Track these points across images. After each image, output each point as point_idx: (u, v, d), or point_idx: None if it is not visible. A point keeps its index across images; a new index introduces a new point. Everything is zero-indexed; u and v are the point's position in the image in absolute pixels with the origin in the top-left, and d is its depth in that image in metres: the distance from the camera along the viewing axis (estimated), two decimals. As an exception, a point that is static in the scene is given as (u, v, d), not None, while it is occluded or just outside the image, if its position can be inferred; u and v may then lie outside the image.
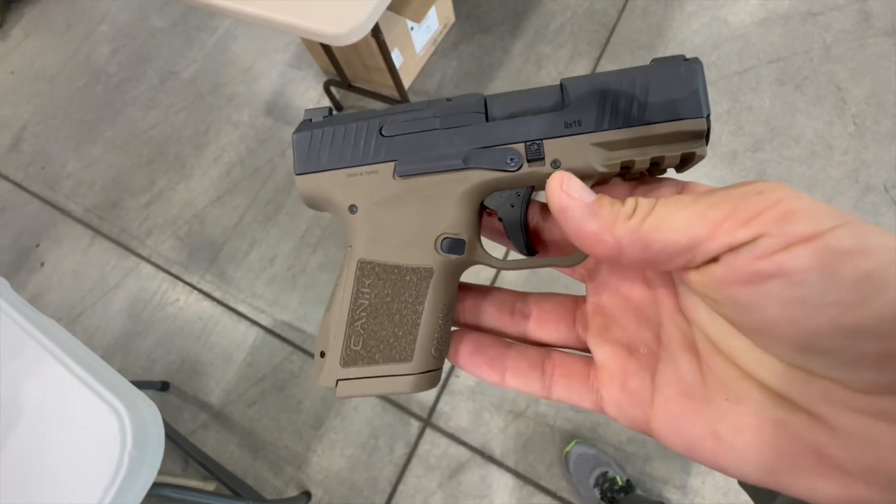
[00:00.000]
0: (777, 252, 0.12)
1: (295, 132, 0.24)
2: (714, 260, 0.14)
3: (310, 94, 1.48)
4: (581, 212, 0.16)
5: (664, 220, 0.14)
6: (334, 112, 0.24)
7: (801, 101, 1.16)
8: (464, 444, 1.02)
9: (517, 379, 0.20)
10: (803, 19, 1.24)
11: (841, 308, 0.11)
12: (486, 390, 1.05)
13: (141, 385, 1.18)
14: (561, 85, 0.21)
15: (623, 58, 1.31)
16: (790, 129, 1.14)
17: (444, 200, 0.22)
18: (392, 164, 0.22)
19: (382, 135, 0.22)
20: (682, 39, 1.29)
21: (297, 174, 0.23)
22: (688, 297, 0.17)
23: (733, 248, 0.13)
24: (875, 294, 0.10)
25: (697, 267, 0.15)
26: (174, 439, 1.01)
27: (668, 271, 0.18)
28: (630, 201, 0.15)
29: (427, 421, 1.06)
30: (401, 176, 0.22)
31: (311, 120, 0.24)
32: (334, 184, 0.23)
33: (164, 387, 1.19)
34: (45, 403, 0.50)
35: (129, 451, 0.43)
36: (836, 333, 0.11)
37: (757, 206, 0.12)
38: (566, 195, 0.16)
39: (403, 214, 0.22)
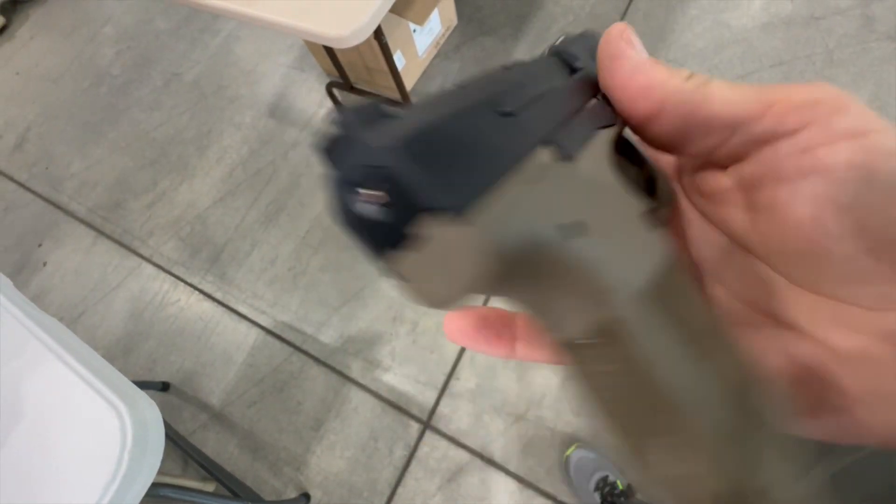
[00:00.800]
0: (820, 146, 0.11)
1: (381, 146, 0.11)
2: (740, 159, 0.13)
3: (312, 96, 1.49)
4: (636, 62, 0.14)
5: (718, 90, 0.13)
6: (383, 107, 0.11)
7: (804, 105, 1.16)
8: (464, 446, 1.02)
9: (527, 348, 0.17)
10: (806, 23, 1.24)
11: (871, 210, 0.11)
12: (486, 393, 1.05)
13: (141, 385, 1.17)
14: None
15: (625, 61, 1.31)
16: (792, 133, 1.14)
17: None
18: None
19: (510, 114, 0.13)
20: (685, 43, 1.29)
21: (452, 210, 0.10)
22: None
23: (773, 140, 0.12)
24: None
25: (724, 166, 0.14)
26: (174, 439, 1.01)
27: (690, 155, 0.16)
28: (684, 70, 0.14)
29: (427, 423, 1.05)
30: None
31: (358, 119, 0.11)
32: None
33: (164, 387, 1.19)
34: (46, 401, 0.50)
35: (129, 449, 0.44)
36: (859, 237, 0.11)
37: (813, 94, 0.12)
38: (626, 43, 0.15)
39: None
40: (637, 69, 0.14)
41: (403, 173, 0.09)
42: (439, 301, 0.11)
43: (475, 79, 0.14)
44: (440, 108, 0.11)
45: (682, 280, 0.13)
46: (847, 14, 1.23)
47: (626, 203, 0.14)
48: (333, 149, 0.10)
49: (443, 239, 0.10)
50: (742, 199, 0.14)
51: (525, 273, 0.11)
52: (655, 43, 1.31)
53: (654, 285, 0.12)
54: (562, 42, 0.17)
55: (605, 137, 0.15)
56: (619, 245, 0.12)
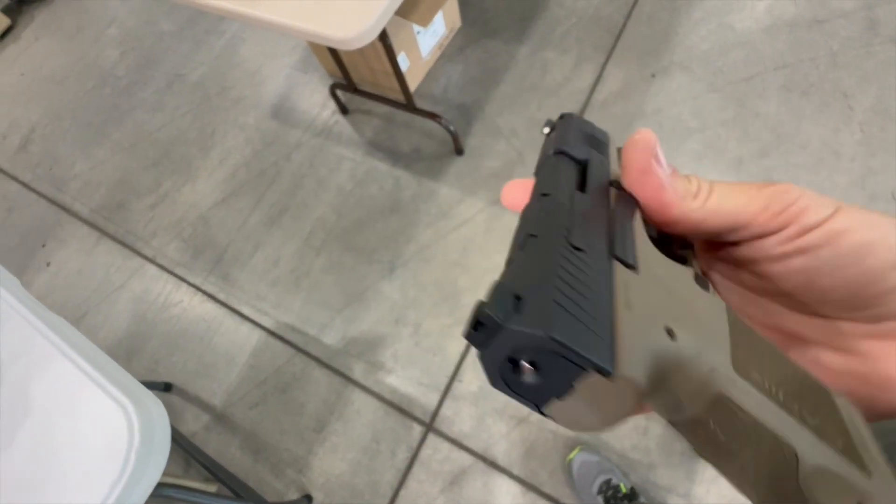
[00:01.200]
0: (798, 237, 0.16)
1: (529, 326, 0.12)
2: (735, 244, 0.18)
3: (316, 98, 1.49)
4: (662, 180, 0.17)
5: (719, 205, 0.17)
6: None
7: (808, 108, 1.16)
8: (466, 449, 1.02)
9: None
10: (809, 26, 1.24)
11: (844, 268, 0.16)
12: (489, 395, 1.05)
13: (144, 385, 1.18)
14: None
15: (629, 63, 1.31)
16: (796, 136, 1.14)
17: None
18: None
19: (581, 249, 0.14)
20: (689, 45, 1.30)
21: (619, 374, 0.12)
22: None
23: (762, 236, 0.17)
24: (866, 256, 0.15)
25: (721, 246, 0.18)
26: (177, 440, 1.01)
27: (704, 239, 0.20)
28: (693, 180, 0.18)
29: (429, 426, 1.05)
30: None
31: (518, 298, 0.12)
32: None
33: (166, 388, 1.19)
34: (53, 400, 0.50)
35: (136, 448, 0.44)
36: (842, 285, 0.16)
37: (783, 202, 0.16)
38: (655, 161, 0.17)
39: None
40: (663, 186, 0.17)
41: (557, 348, 0.11)
42: (587, 429, 0.13)
43: (530, 217, 0.16)
44: (538, 270, 0.13)
45: (741, 322, 0.16)
46: (851, 17, 1.23)
47: (686, 280, 0.17)
48: (486, 337, 0.12)
49: (594, 388, 0.12)
50: (744, 268, 0.18)
51: (654, 384, 0.13)
52: (659, 46, 1.32)
53: (735, 345, 0.14)
54: (557, 139, 0.20)
55: (640, 230, 0.17)
56: (703, 323, 0.14)
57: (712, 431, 0.13)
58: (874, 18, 1.21)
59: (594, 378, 0.12)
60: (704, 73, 1.26)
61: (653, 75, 1.29)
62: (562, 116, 0.22)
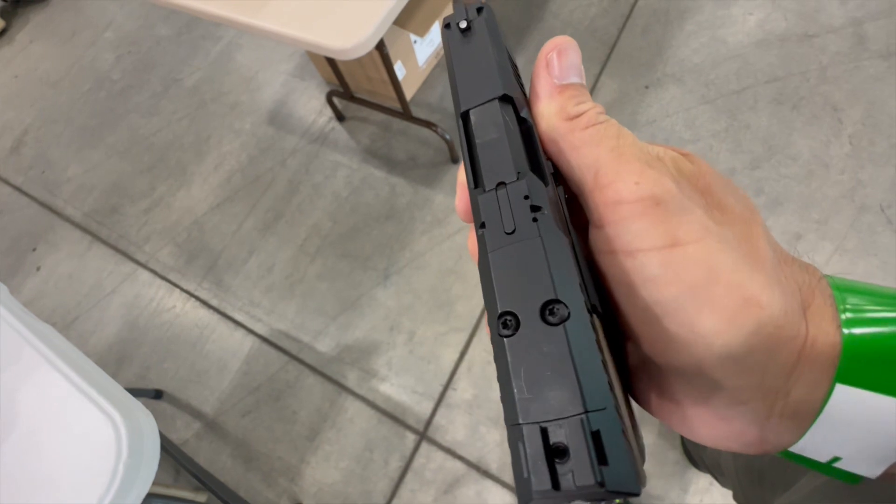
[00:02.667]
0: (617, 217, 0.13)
1: None
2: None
3: (312, 104, 1.50)
4: (540, 87, 0.16)
5: (580, 144, 0.14)
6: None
7: (798, 121, 1.18)
8: (460, 458, 1.01)
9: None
10: (800, 41, 1.27)
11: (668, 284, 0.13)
12: (483, 404, 1.05)
13: (134, 393, 1.16)
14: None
15: (623, 75, 1.33)
16: (787, 148, 1.16)
17: None
18: None
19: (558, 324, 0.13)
20: (682, 58, 1.31)
21: None
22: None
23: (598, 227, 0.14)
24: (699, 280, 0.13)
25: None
26: (166, 449, 1.00)
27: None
28: (590, 108, 0.15)
29: (423, 434, 1.05)
30: None
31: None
32: None
33: (157, 395, 1.18)
34: (40, 411, 0.49)
35: (124, 460, 0.43)
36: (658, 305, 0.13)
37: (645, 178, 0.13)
38: (544, 65, 0.16)
39: None
40: (537, 95, 0.16)
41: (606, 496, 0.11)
42: None
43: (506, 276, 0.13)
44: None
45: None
46: (840, 32, 1.25)
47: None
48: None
49: None
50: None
51: None
52: (653, 58, 1.33)
53: None
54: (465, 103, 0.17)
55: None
56: None
57: None
58: (863, 34, 1.24)
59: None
60: (697, 85, 1.27)
61: (646, 87, 1.30)
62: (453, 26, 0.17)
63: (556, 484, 0.10)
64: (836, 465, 0.14)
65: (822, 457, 0.14)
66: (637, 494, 0.11)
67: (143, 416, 0.49)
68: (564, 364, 0.11)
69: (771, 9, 1.32)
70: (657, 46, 1.35)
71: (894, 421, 0.12)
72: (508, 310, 0.13)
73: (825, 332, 0.13)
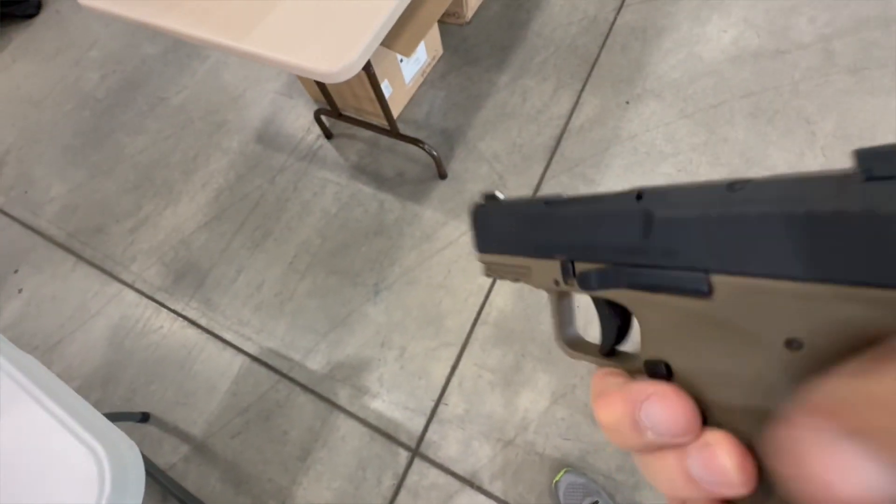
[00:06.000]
0: None
1: None
2: None
3: (300, 122, 1.50)
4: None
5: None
6: None
7: (774, 134, 1.22)
8: (453, 474, 1.01)
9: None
10: (772, 57, 1.32)
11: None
12: (474, 418, 1.05)
13: (120, 416, 1.14)
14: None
15: (605, 91, 1.36)
16: (764, 160, 1.19)
17: None
18: None
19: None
20: (660, 74, 1.35)
21: None
22: None
23: None
24: None
25: None
26: (153, 474, 0.98)
27: None
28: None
29: (415, 451, 1.04)
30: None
31: None
32: None
33: (144, 418, 1.16)
34: (19, 445, 0.48)
35: (107, 495, 0.42)
36: None
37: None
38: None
39: None
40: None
41: None
42: None
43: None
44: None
45: None
46: (810, 49, 1.30)
47: None
48: None
49: None
50: None
51: None
52: (633, 74, 1.37)
53: None
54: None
55: None
56: None
57: None
58: (831, 50, 1.29)
59: None
60: (675, 100, 1.31)
61: (627, 102, 1.34)
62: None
63: None
64: None
65: None
66: None
67: (127, 448, 0.49)
68: None
69: (744, 27, 1.37)
70: (636, 63, 1.39)
71: None
72: None
73: None
